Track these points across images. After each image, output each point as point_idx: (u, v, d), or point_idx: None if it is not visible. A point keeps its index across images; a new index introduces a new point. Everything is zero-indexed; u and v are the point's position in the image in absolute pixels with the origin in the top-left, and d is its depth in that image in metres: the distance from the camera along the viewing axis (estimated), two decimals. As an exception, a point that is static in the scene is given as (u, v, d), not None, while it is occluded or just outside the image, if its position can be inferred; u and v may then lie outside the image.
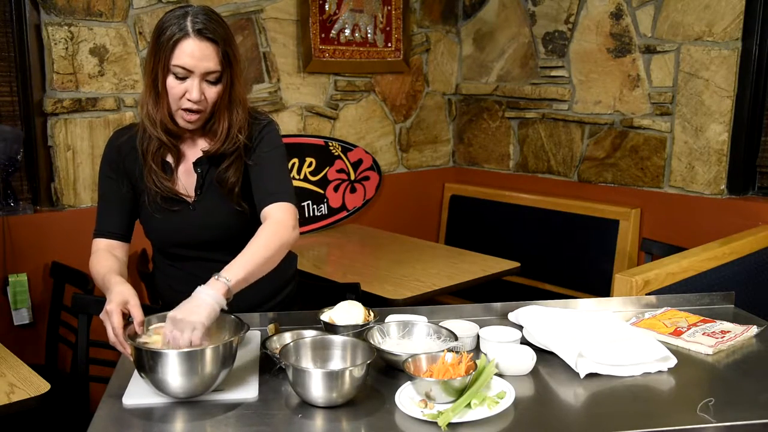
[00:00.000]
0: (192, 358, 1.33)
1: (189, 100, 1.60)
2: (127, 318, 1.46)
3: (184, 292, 1.44)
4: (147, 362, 1.34)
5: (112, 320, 1.43)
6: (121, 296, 1.47)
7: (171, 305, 1.43)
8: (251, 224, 1.67)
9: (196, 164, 1.72)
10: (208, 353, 1.34)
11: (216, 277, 1.45)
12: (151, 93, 1.63)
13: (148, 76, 1.63)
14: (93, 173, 2.94)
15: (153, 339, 1.46)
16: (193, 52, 1.56)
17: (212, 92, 1.62)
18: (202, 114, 1.64)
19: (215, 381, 1.37)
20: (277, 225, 1.61)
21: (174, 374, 1.32)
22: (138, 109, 1.72)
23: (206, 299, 1.41)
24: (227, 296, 1.44)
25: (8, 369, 1.91)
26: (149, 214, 1.73)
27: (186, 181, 1.73)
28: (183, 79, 1.59)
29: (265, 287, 1.70)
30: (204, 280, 1.46)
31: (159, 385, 1.35)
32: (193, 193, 1.73)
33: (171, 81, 1.59)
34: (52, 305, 2.77)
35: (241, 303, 1.57)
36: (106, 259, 1.67)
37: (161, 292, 1.89)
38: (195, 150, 1.73)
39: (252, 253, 1.53)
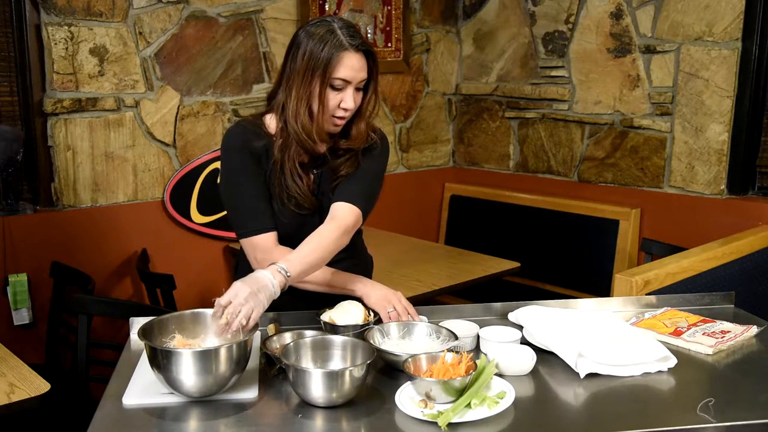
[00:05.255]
0: (207, 357, 1.33)
1: (344, 108, 1.68)
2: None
3: None
4: (162, 361, 1.33)
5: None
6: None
7: None
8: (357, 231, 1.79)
9: (313, 165, 1.77)
10: (223, 352, 1.34)
11: (277, 268, 1.50)
12: (303, 104, 1.67)
13: (301, 89, 1.67)
14: (93, 173, 2.94)
15: (175, 342, 1.47)
16: (354, 65, 1.65)
17: (359, 98, 1.72)
18: (347, 118, 1.73)
19: (230, 381, 1.38)
20: (338, 228, 1.67)
21: (188, 373, 1.32)
22: (284, 120, 1.72)
23: (269, 285, 1.46)
24: (283, 288, 1.49)
25: (8, 369, 1.90)
26: (275, 217, 1.74)
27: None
28: (339, 89, 1.67)
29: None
30: None
31: (173, 384, 1.35)
32: (311, 195, 1.77)
33: (329, 93, 1.67)
34: (52, 305, 2.77)
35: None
36: None
37: None
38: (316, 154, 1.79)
39: (311, 250, 1.60)
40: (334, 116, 1.70)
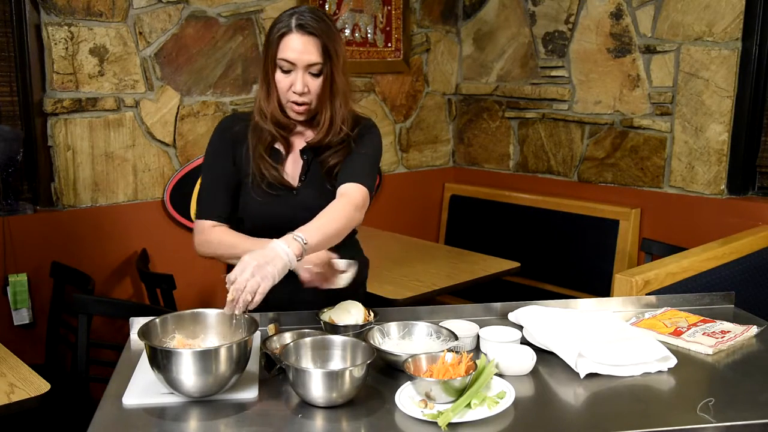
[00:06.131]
0: (207, 357, 1.33)
1: (294, 92, 1.70)
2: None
3: None
4: (162, 361, 1.33)
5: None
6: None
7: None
8: None
9: (303, 152, 1.80)
10: (223, 352, 1.34)
11: (293, 236, 1.47)
12: (263, 87, 1.75)
13: (260, 71, 1.75)
14: (93, 173, 2.94)
15: (175, 342, 1.47)
16: (296, 46, 1.67)
17: (315, 84, 1.71)
18: (308, 106, 1.73)
19: (230, 380, 1.37)
20: (349, 203, 1.68)
21: (188, 373, 1.32)
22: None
23: (282, 254, 1.43)
24: (299, 258, 1.47)
25: (8, 369, 1.91)
26: (251, 198, 1.78)
27: (292, 168, 1.81)
28: (288, 72, 1.69)
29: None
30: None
31: (173, 384, 1.35)
32: (297, 180, 1.80)
33: (278, 75, 1.70)
34: (52, 305, 2.77)
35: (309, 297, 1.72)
36: (228, 231, 1.76)
37: None
38: (303, 140, 1.82)
39: (326, 222, 1.59)
40: (290, 101, 1.72)
